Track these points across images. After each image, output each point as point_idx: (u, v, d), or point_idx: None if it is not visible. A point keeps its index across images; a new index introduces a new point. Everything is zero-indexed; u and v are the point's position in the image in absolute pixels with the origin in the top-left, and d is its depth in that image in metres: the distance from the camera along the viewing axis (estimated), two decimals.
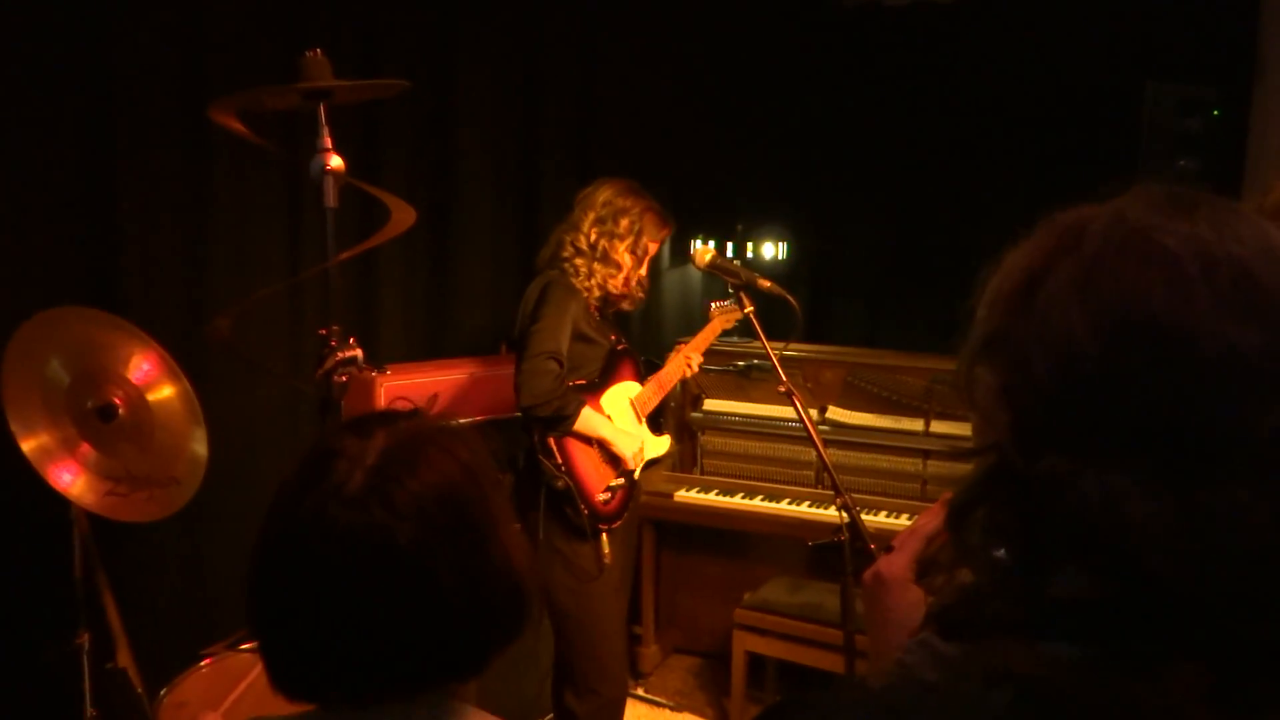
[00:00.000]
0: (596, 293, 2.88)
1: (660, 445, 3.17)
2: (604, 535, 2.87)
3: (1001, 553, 0.62)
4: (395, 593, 0.98)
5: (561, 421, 2.75)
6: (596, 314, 2.94)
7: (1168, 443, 0.57)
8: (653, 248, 2.96)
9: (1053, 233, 0.66)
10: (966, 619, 0.64)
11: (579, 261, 2.85)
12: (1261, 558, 0.56)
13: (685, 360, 3.18)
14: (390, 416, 1.09)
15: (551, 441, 2.80)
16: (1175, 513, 0.56)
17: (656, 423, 3.25)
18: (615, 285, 2.89)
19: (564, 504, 2.80)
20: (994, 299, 0.67)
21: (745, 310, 2.73)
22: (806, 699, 0.65)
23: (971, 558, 0.64)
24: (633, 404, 3.04)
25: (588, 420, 2.81)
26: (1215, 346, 0.57)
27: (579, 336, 2.85)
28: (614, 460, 2.92)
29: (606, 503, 2.89)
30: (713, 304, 3.26)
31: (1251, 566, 0.56)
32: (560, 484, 2.78)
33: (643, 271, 2.97)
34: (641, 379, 3.10)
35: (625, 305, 3.01)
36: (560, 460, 2.80)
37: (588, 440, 2.86)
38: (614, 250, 2.85)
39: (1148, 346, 0.58)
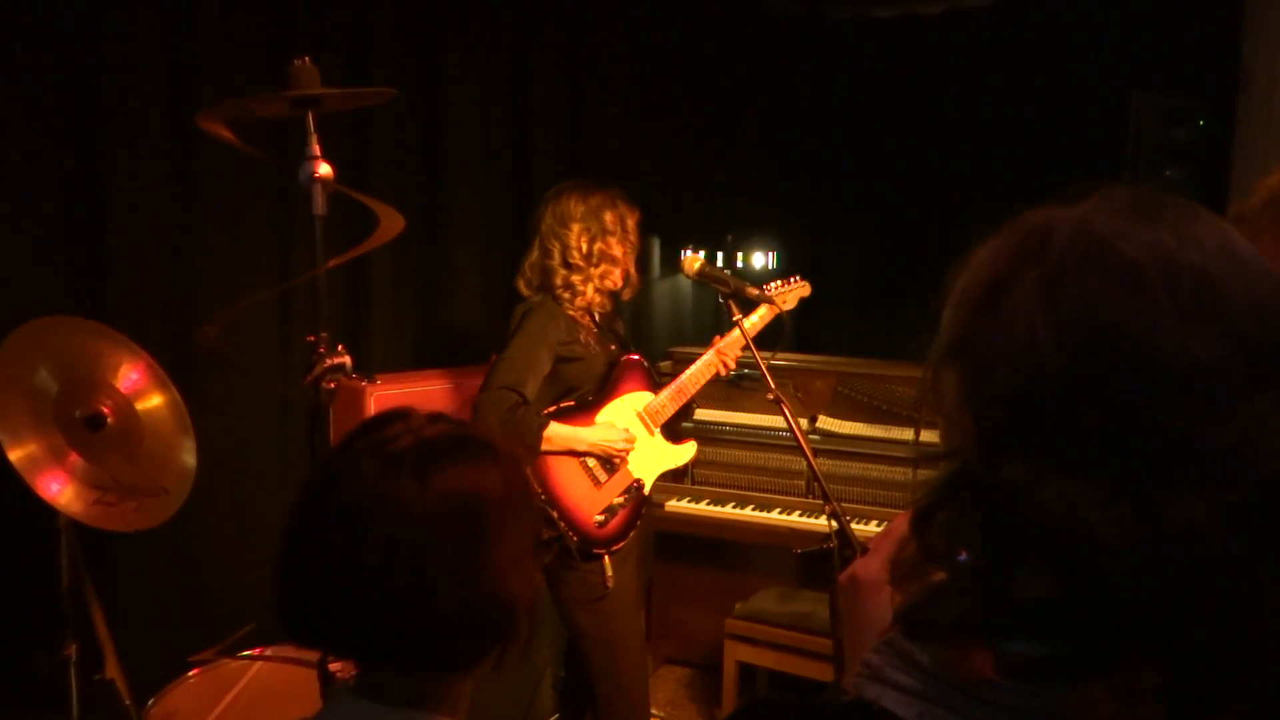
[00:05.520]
0: (598, 299, 2.85)
1: (681, 454, 3.03)
2: (605, 558, 2.79)
3: (964, 556, 0.62)
4: (392, 559, 1.03)
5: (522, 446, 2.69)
6: (595, 326, 2.89)
7: (1128, 452, 0.58)
8: (633, 225, 2.87)
9: (1017, 236, 0.66)
10: (930, 619, 0.65)
11: (575, 279, 2.80)
12: (1214, 566, 0.57)
13: (719, 357, 2.96)
14: (460, 424, 1.18)
15: (527, 471, 2.73)
16: (1135, 523, 0.57)
17: (675, 431, 3.08)
18: (615, 280, 2.85)
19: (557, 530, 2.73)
20: (958, 301, 0.68)
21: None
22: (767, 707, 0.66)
23: (936, 560, 0.65)
24: (641, 415, 2.91)
25: (556, 436, 2.74)
26: (1177, 357, 0.58)
27: (566, 359, 2.80)
28: (610, 478, 2.82)
29: (603, 525, 2.79)
30: (769, 286, 3.11)
31: (1205, 575, 0.57)
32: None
33: (637, 250, 2.91)
34: (656, 388, 2.97)
35: (626, 294, 2.94)
36: (540, 489, 2.73)
37: (580, 455, 2.79)
38: (610, 247, 2.81)
39: (1110, 357, 0.59)
